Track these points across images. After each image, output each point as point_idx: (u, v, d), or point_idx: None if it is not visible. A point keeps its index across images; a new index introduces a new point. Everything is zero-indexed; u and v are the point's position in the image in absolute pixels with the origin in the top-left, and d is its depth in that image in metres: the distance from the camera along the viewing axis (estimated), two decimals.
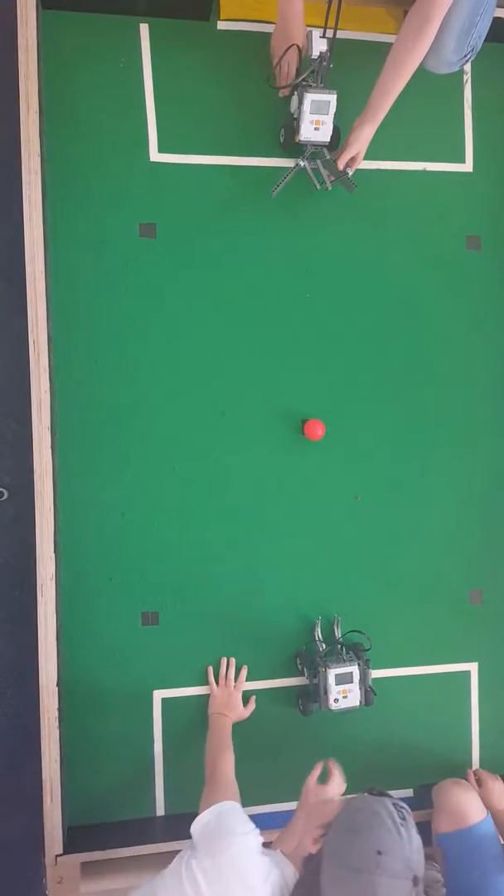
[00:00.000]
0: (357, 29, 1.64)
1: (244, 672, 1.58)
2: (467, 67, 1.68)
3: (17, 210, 1.44)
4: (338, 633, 1.62)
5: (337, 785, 1.32)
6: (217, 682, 1.57)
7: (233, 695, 1.55)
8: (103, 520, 1.55)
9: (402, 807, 0.98)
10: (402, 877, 0.90)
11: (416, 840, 0.95)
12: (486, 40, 1.54)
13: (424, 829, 1.59)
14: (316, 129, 1.51)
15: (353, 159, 1.55)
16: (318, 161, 1.54)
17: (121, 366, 1.57)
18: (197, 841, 1.11)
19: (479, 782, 1.60)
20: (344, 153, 1.53)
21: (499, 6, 1.54)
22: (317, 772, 1.34)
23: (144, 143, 1.58)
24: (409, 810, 1.00)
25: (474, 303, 1.73)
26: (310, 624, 1.63)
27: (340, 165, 1.54)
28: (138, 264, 1.57)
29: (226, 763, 1.38)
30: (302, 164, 1.55)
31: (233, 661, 1.59)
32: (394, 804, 0.98)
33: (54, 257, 1.52)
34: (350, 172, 1.55)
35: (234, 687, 1.56)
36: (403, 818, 0.96)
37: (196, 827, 1.14)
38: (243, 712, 1.55)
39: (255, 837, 1.10)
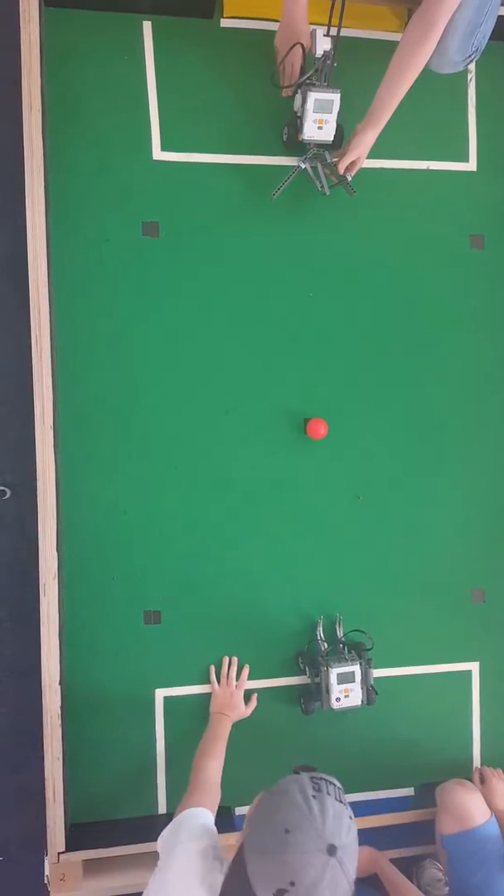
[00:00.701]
0: (361, 27, 1.64)
1: (246, 671, 1.59)
2: (471, 66, 1.67)
3: (20, 209, 1.44)
4: (339, 633, 1.63)
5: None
6: (219, 681, 1.57)
7: (234, 694, 1.55)
8: (106, 519, 1.55)
9: (320, 778, 0.96)
10: (314, 849, 0.87)
11: (334, 808, 0.92)
12: (490, 39, 1.54)
13: (426, 828, 1.61)
14: (319, 127, 1.50)
15: (353, 163, 1.54)
16: (319, 163, 1.54)
17: (123, 364, 1.57)
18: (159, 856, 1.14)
19: (482, 780, 1.60)
20: (345, 157, 1.53)
21: (503, 5, 1.54)
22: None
23: (147, 141, 1.57)
24: (332, 781, 0.97)
25: (477, 302, 1.72)
26: (311, 623, 1.63)
27: (341, 170, 1.54)
28: (141, 263, 1.57)
29: (211, 768, 1.38)
30: (303, 166, 1.54)
31: (234, 660, 1.59)
32: (311, 778, 0.96)
33: (57, 256, 1.52)
34: (350, 177, 1.54)
35: (236, 686, 1.56)
36: (318, 789, 0.94)
37: (158, 842, 1.17)
38: (244, 711, 1.56)
39: (198, 842, 1.10)
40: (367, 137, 1.51)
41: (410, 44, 1.41)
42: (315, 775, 0.97)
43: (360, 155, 1.54)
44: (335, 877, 0.86)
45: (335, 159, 1.54)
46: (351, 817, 0.94)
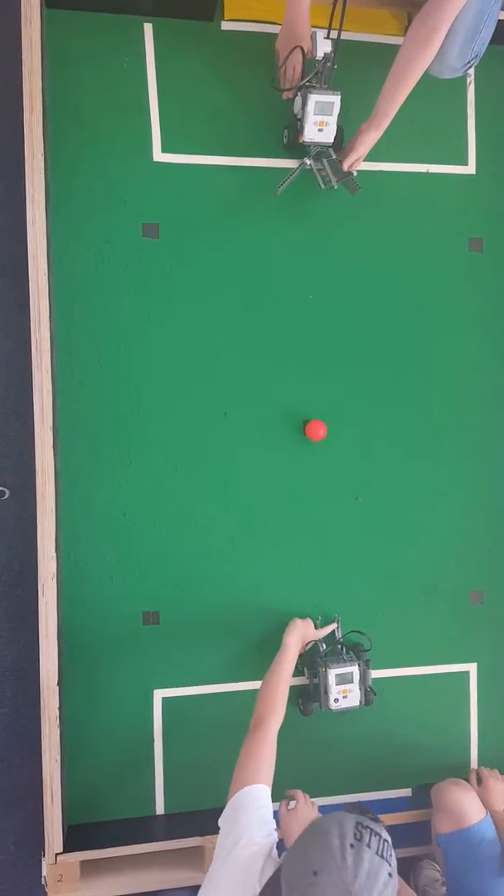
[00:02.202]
0: (361, 31, 1.64)
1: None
2: (470, 71, 1.68)
3: (21, 209, 1.44)
4: (338, 634, 1.63)
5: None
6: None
7: (311, 627, 1.57)
8: (105, 519, 1.55)
9: (366, 826, 0.91)
10: None
11: (371, 863, 0.87)
12: (489, 44, 1.54)
13: (423, 828, 1.61)
14: (320, 130, 1.51)
15: (353, 163, 1.55)
16: (324, 161, 1.54)
17: (123, 366, 1.57)
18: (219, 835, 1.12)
19: (479, 781, 1.60)
20: (347, 157, 1.54)
21: (503, 9, 1.55)
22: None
23: (148, 142, 1.58)
24: (380, 832, 0.92)
25: (476, 304, 1.73)
26: None
27: (344, 168, 1.55)
28: (141, 264, 1.57)
29: (281, 689, 1.38)
30: (308, 162, 1.55)
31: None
32: (357, 823, 0.91)
33: (57, 257, 1.52)
34: (354, 174, 1.55)
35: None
36: (359, 838, 0.89)
37: (220, 821, 1.15)
38: (318, 632, 1.58)
39: (261, 840, 1.07)
40: (370, 138, 1.52)
41: (413, 47, 1.42)
42: (362, 821, 0.92)
43: (361, 155, 1.55)
44: None
45: (340, 158, 1.55)
46: (391, 874, 0.89)
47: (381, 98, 1.48)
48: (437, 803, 1.54)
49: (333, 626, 1.61)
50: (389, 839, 0.93)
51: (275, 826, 1.13)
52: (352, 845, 0.88)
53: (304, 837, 0.94)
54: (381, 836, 0.91)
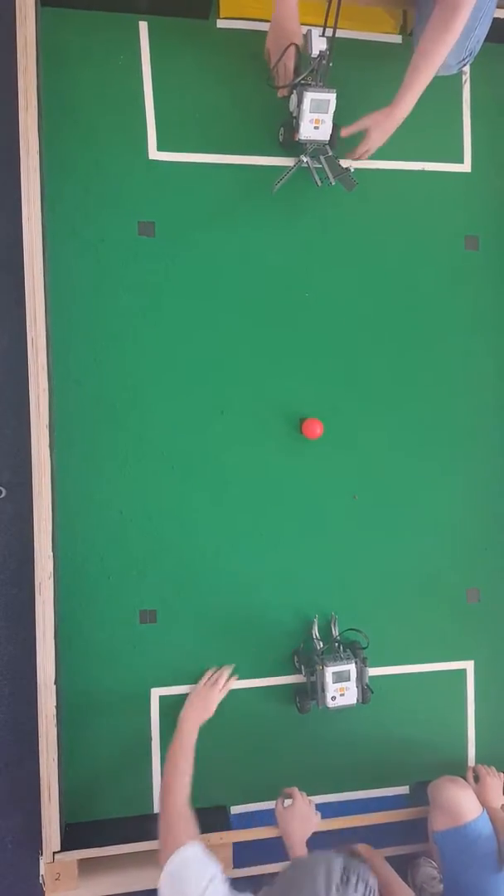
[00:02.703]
0: (356, 28, 1.64)
1: (233, 680, 1.56)
2: (466, 69, 1.68)
3: (16, 208, 1.44)
4: (335, 632, 1.63)
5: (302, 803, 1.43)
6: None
7: (213, 697, 1.50)
8: (101, 518, 1.55)
9: (353, 871, 0.92)
10: None
11: None
12: (484, 40, 1.55)
13: (421, 826, 1.61)
14: (315, 127, 1.50)
15: (366, 151, 1.54)
16: (321, 158, 1.54)
17: (119, 364, 1.57)
18: None
19: (476, 778, 1.61)
20: (362, 145, 1.53)
21: (498, 6, 1.55)
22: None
23: (143, 141, 1.58)
24: (365, 877, 0.93)
25: (472, 302, 1.73)
26: (307, 622, 1.64)
27: (356, 156, 1.54)
28: (137, 262, 1.57)
29: (184, 787, 1.33)
30: (305, 160, 1.55)
31: (227, 668, 1.57)
32: (345, 867, 0.92)
33: (53, 255, 1.52)
34: (351, 170, 1.55)
35: (220, 689, 1.52)
36: (345, 882, 0.90)
37: (162, 885, 1.12)
38: (211, 712, 1.50)
39: (214, 888, 1.06)
40: (388, 125, 1.50)
41: (434, 31, 1.40)
42: (350, 865, 0.94)
43: (376, 145, 1.54)
44: None
45: (334, 155, 1.54)
46: None
47: (403, 84, 1.47)
48: (433, 800, 1.54)
49: (233, 680, 1.54)
50: (376, 887, 0.94)
51: (217, 864, 1.12)
52: (337, 889, 0.90)
53: (291, 873, 0.95)
54: (366, 883, 0.93)
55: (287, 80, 1.52)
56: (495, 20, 1.55)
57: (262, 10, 1.59)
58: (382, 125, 1.51)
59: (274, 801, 1.53)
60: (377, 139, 1.53)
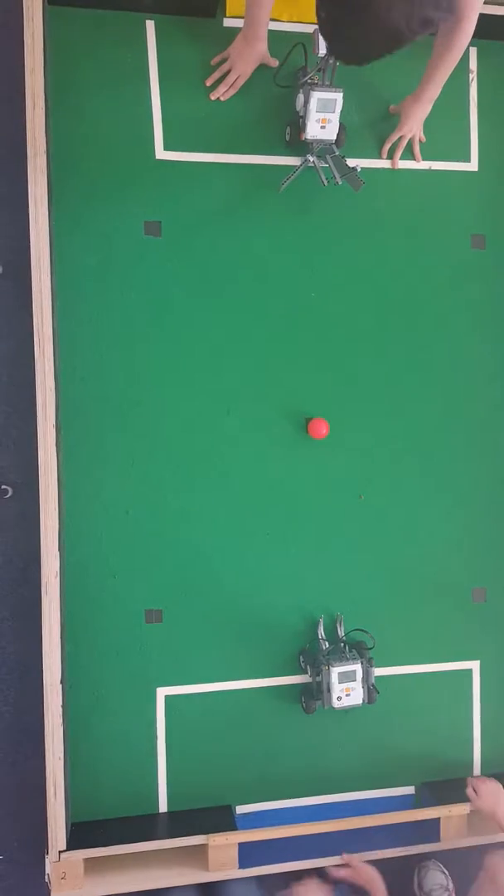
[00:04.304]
0: None
1: None
2: (473, 66, 1.68)
3: (23, 207, 1.44)
4: (341, 632, 1.63)
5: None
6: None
7: None
8: (107, 517, 1.55)
9: None
10: None
11: None
12: (492, 39, 1.54)
13: (426, 827, 1.60)
14: (322, 127, 1.50)
15: (401, 139, 1.55)
16: (328, 157, 1.54)
17: (125, 364, 1.57)
18: None
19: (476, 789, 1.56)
20: (395, 133, 1.54)
21: (501, 3, 1.54)
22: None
23: (150, 140, 1.57)
24: None
25: (478, 301, 1.73)
26: (313, 622, 1.63)
27: (384, 151, 1.55)
28: (143, 262, 1.57)
29: None
30: (311, 159, 1.54)
31: None
32: None
33: (59, 255, 1.51)
34: (358, 169, 1.54)
35: None
36: None
37: None
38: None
39: None
40: (419, 111, 1.52)
41: (445, 38, 1.40)
42: None
43: (413, 130, 1.56)
44: None
45: (339, 157, 1.54)
46: None
47: (429, 66, 1.48)
48: (489, 873, 1.42)
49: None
50: None
51: None
52: None
53: None
54: None
55: (230, 92, 1.55)
56: (501, 18, 1.55)
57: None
58: (417, 113, 1.52)
59: (280, 801, 1.53)
60: (411, 125, 1.54)
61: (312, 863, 1.51)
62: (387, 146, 1.61)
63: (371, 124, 1.65)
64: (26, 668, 1.61)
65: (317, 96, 1.47)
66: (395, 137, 1.56)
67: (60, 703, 1.45)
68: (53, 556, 1.45)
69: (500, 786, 1.58)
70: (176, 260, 1.58)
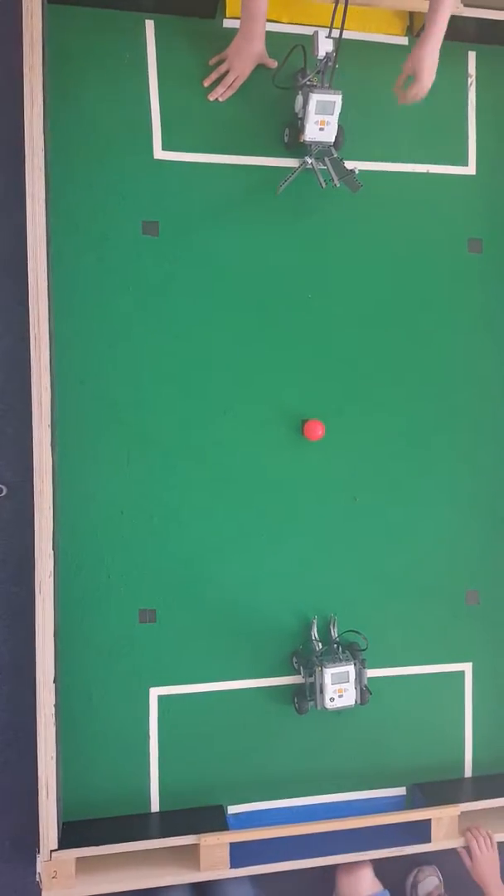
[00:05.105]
0: (362, 30, 1.64)
1: None
2: (472, 70, 1.68)
3: (20, 206, 1.43)
4: (334, 633, 1.63)
5: None
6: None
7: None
8: (102, 517, 1.55)
9: None
10: None
11: None
12: (490, 43, 1.54)
13: (418, 828, 1.61)
14: (321, 129, 1.50)
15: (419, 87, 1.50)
16: (326, 159, 1.54)
17: (122, 364, 1.56)
18: None
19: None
20: (416, 91, 1.50)
21: (500, 8, 1.54)
22: None
23: (148, 140, 1.57)
24: None
25: (475, 305, 1.73)
26: (306, 623, 1.64)
27: (417, 95, 1.51)
28: (140, 262, 1.57)
29: None
30: (309, 161, 1.54)
31: None
32: None
33: (56, 254, 1.51)
34: (356, 171, 1.55)
35: None
36: None
37: None
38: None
39: None
40: (430, 57, 1.47)
41: None
42: None
43: (428, 84, 1.51)
44: None
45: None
46: None
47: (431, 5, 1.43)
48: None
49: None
50: None
51: None
52: None
53: None
54: None
55: (228, 93, 1.55)
56: (501, 22, 1.55)
57: (269, 10, 1.58)
58: (429, 59, 1.47)
59: (272, 801, 1.54)
60: (431, 76, 1.50)
61: (303, 863, 1.51)
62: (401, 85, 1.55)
63: (370, 127, 1.66)
64: (19, 667, 1.61)
65: (316, 98, 1.47)
66: (416, 96, 1.52)
67: (53, 702, 1.45)
68: (48, 556, 1.45)
69: (497, 855, 1.54)
70: (173, 260, 1.58)
